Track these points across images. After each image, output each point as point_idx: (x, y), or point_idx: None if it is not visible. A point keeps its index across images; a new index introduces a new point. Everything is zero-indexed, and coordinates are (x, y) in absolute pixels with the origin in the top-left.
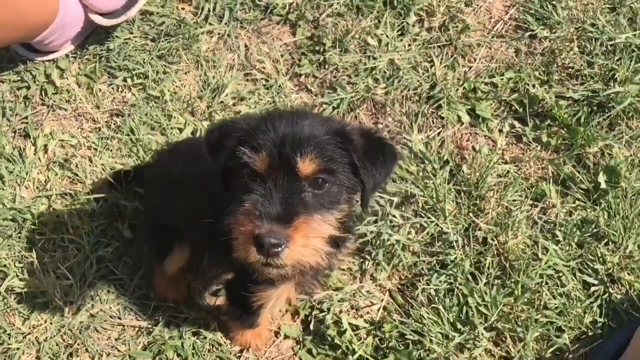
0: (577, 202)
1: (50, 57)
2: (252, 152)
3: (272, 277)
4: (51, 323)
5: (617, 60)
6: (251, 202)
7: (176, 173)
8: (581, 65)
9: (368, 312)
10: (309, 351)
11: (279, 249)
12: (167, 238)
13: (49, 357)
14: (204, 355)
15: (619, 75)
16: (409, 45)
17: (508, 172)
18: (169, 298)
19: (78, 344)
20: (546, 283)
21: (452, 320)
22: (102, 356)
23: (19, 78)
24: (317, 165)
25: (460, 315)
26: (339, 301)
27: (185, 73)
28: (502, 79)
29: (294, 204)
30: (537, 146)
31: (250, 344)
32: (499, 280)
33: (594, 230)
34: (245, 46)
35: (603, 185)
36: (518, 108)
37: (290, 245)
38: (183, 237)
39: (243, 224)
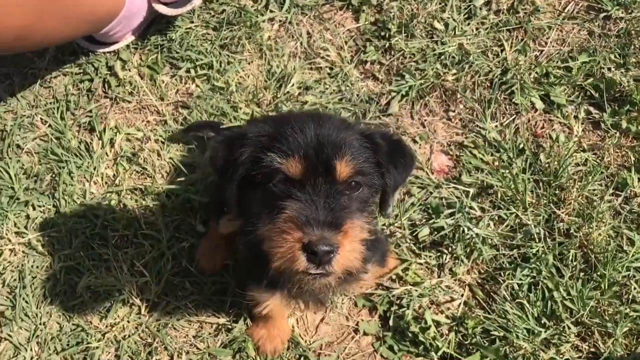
0: None
1: (112, 48)
2: (283, 157)
3: (315, 288)
4: (128, 321)
5: None
6: (294, 208)
7: None
8: None
9: (448, 308)
10: (390, 348)
11: (332, 255)
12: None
13: (129, 356)
14: (284, 354)
15: None
16: (477, 29)
17: (587, 160)
18: (201, 264)
19: (157, 342)
20: (633, 276)
21: (537, 315)
22: (181, 354)
23: (81, 71)
24: (352, 167)
25: (545, 310)
26: (418, 296)
27: (249, 63)
28: (575, 62)
29: (337, 209)
30: (616, 133)
31: (265, 346)
32: (585, 274)
33: None
34: (308, 33)
35: None
36: (594, 93)
37: (341, 251)
38: None
39: (287, 231)
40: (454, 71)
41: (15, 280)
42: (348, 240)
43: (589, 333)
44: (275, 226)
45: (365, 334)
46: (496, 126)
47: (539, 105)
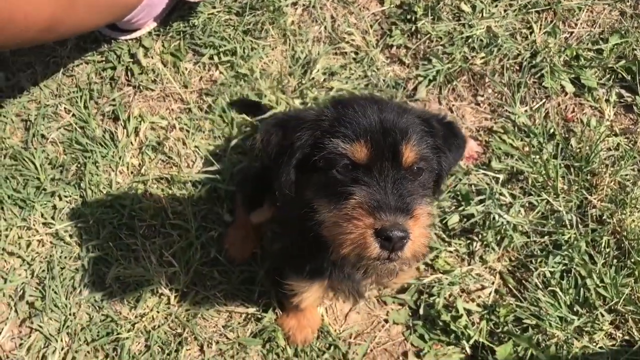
0: None
1: (134, 35)
2: (348, 142)
3: (381, 273)
4: (158, 311)
5: None
6: (363, 194)
7: None
8: None
9: (479, 296)
10: (421, 336)
11: (405, 241)
12: (260, 194)
13: (159, 346)
14: (314, 343)
15: None
16: (505, 11)
17: (619, 145)
18: (231, 253)
19: (187, 333)
20: None
21: (569, 303)
22: (211, 344)
23: (103, 59)
24: (418, 152)
25: (578, 298)
26: (449, 285)
27: (273, 49)
28: (607, 44)
29: (406, 194)
30: None
31: (295, 336)
32: (618, 261)
33: None
34: (332, 17)
35: None
36: (626, 75)
37: (412, 237)
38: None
39: (358, 217)
40: (482, 55)
41: (44, 271)
42: (418, 225)
43: (623, 321)
44: (343, 212)
45: (395, 323)
46: (526, 111)
47: (570, 88)
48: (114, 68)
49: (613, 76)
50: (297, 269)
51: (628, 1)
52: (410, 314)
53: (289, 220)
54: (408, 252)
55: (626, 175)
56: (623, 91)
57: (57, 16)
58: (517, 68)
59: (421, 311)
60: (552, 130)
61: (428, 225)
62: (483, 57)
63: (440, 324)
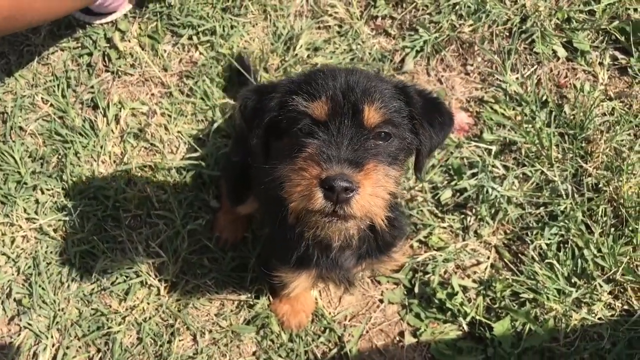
0: None
1: (109, 18)
2: (309, 99)
3: (334, 235)
4: (148, 303)
5: None
6: (315, 145)
7: None
8: None
9: (475, 272)
10: (417, 315)
11: (350, 194)
12: (244, 189)
13: (151, 338)
14: (309, 327)
15: None
16: None
17: (614, 109)
18: (223, 238)
19: (179, 323)
20: None
21: (567, 275)
22: (204, 333)
23: (79, 45)
24: (382, 115)
25: (576, 269)
26: (443, 261)
27: (253, 26)
28: (599, 5)
29: (361, 149)
30: None
31: (290, 321)
32: (615, 229)
33: None
34: None
35: None
36: (619, 37)
37: (360, 192)
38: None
39: (306, 168)
40: (470, 22)
41: (30, 267)
42: (370, 182)
43: (622, 290)
44: (295, 165)
45: (390, 302)
46: (517, 78)
47: (562, 53)
48: (90, 54)
49: (606, 38)
50: (283, 258)
51: None
52: (405, 293)
53: (268, 207)
54: (356, 209)
55: (622, 140)
56: (617, 53)
57: (16, 5)
58: (507, 34)
59: (416, 290)
60: (544, 98)
61: (387, 189)
62: (471, 25)
63: (436, 301)
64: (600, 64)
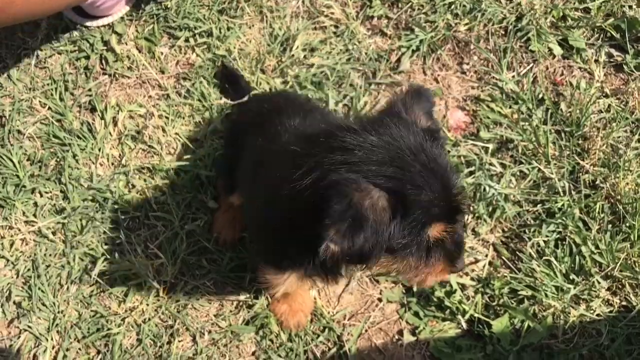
0: None
1: (106, 21)
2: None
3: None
4: (147, 304)
5: None
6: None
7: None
8: None
9: (473, 270)
10: (416, 314)
11: None
12: (234, 178)
13: (151, 339)
14: (308, 326)
15: None
16: None
17: (610, 106)
18: (223, 237)
19: (178, 324)
20: None
21: (565, 272)
22: (203, 334)
23: (76, 48)
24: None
25: (574, 266)
26: None
27: (250, 27)
28: (594, 3)
29: None
30: None
31: (288, 321)
32: (613, 226)
33: None
34: None
35: None
36: (615, 34)
37: None
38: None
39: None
40: (466, 21)
41: (29, 270)
42: None
43: (620, 286)
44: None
45: (389, 301)
46: (513, 76)
47: (557, 51)
48: (87, 57)
49: (602, 35)
50: (269, 260)
51: None
52: (403, 291)
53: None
54: None
55: (618, 137)
56: (613, 50)
57: None
58: (503, 33)
59: (414, 288)
60: (541, 95)
61: None
62: (467, 24)
63: (435, 300)
64: (596, 61)
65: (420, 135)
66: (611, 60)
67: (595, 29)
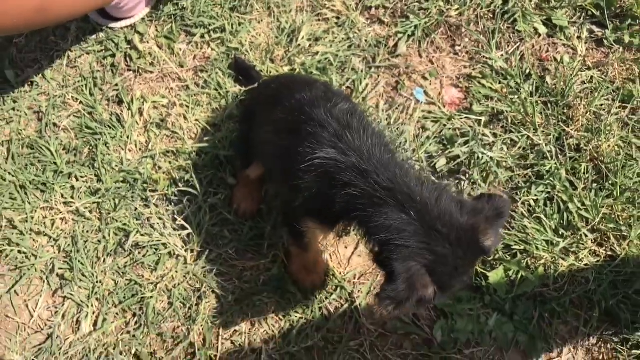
0: None
1: (129, 22)
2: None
3: None
4: (177, 271)
5: None
6: None
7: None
8: None
9: None
10: None
11: None
12: (249, 154)
13: (180, 302)
14: (325, 289)
15: None
16: None
17: (592, 78)
18: (242, 209)
19: (205, 287)
20: None
21: (554, 227)
22: (227, 296)
23: (102, 48)
24: None
25: (562, 222)
26: None
27: (259, 22)
28: None
29: None
30: (619, 48)
31: (304, 281)
32: (597, 184)
33: None
34: None
35: None
36: (595, 12)
37: None
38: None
39: None
40: (457, 6)
41: (69, 245)
42: None
43: (605, 238)
44: None
45: None
46: (502, 55)
47: (542, 30)
48: (113, 55)
49: (583, 14)
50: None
51: None
52: None
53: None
54: None
55: (600, 105)
56: (594, 27)
57: None
58: (491, 16)
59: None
60: (528, 71)
61: None
62: (458, 9)
63: None
64: (579, 37)
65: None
66: (592, 35)
67: (577, 8)
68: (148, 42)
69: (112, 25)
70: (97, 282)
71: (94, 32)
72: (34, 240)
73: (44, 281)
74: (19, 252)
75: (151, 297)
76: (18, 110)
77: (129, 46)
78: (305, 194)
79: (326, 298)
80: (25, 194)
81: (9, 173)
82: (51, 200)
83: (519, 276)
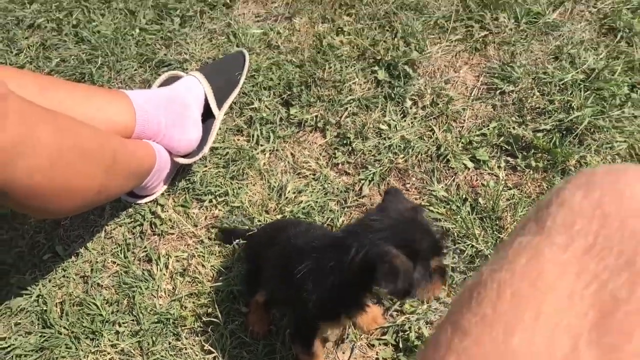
0: None
1: (151, 198)
2: None
3: None
4: None
5: (570, 93)
6: None
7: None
8: (544, 104)
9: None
10: None
11: None
12: (255, 285)
13: None
14: None
15: (575, 104)
16: (412, 122)
17: (514, 195)
18: (256, 330)
19: None
20: None
21: None
22: None
23: (132, 220)
24: None
25: None
26: (416, 321)
27: (254, 184)
28: (488, 129)
29: None
30: (529, 171)
31: None
32: None
33: None
34: (291, 154)
35: None
36: (507, 147)
37: None
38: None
39: None
40: (402, 156)
41: None
42: None
43: None
44: None
45: (384, 359)
46: (442, 186)
47: (470, 164)
48: (141, 225)
49: (498, 149)
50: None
51: (495, 97)
52: (393, 349)
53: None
54: None
55: (523, 214)
56: (508, 158)
57: (104, 184)
58: (429, 159)
59: (400, 345)
60: (464, 196)
61: None
62: (403, 157)
63: (416, 350)
64: (499, 166)
65: (410, 211)
66: (508, 164)
67: (494, 146)
68: (168, 211)
69: (139, 201)
70: None
71: (125, 209)
72: None
73: None
74: None
75: None
76: (67, 277)
77: (153, 216)
78: (313, 297)
79: None
80: (79, 342)
81: (64, 327)
82: (100, 344)
83: None
